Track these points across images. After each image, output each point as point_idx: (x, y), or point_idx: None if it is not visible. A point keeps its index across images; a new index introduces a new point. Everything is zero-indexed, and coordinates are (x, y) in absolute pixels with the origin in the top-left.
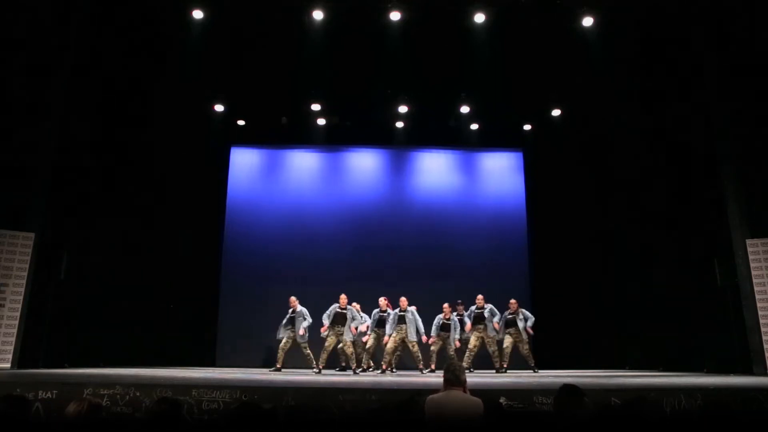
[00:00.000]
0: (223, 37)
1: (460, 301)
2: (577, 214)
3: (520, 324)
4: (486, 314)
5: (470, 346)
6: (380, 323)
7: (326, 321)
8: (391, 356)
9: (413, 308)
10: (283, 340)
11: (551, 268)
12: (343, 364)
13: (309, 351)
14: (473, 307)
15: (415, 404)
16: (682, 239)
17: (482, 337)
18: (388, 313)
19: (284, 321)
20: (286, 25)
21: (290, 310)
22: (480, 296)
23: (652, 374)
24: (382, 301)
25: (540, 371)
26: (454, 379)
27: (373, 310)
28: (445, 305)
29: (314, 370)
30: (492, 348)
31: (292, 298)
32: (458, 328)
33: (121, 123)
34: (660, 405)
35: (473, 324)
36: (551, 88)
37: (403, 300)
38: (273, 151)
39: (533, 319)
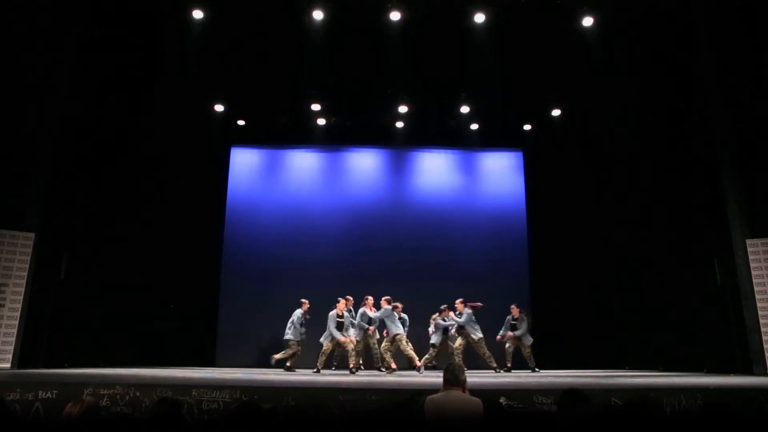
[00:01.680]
0: (223, 37)
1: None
2: (576, 214)
3: (521, 329)
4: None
5: (455, 345)
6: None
7: (337, 333)
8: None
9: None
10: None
11: (551, 268)
12: (336, 364)
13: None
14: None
15: (415, 404)
16: (682, 239)
17: (467, 341)
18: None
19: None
20: (286, 25)
21: (335, 313)
22: (459, 300)
23: (652, 374)
24: (370, 300)
25: (540, 371)
26: (453, 380)
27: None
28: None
29: (313, 370)
30: (482, 351)
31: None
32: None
33: (121, 123)
34: (660, 405)
35: (457, 330)
36: (551, 88)
37: (398, 306)
38: (273, 151)
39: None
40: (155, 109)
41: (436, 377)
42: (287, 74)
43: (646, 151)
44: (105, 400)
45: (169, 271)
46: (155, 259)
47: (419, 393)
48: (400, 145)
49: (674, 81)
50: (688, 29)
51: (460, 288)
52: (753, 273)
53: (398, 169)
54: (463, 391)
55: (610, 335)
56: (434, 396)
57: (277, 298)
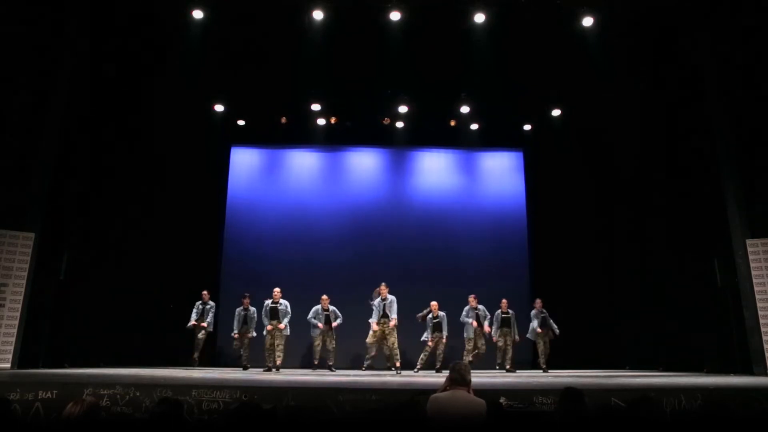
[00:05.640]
0: (223, 37)
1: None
2: (577, 214)
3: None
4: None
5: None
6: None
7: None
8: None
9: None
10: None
11: (551, 268)
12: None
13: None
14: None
15: (416, 404)
16: (682, 239)
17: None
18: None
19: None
20: (286, 24)
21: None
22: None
23: (652, 374)
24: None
25: (539, 371)
26: (459, 379)
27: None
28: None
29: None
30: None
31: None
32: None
33: (121, 123)
34: (660, 405)
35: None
36: (551, 88)
37: (434, 304)
38: (273, 151)
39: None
40: (155, 109)
41: (436, 377)
42: (287, 74)
43: (646, 150)
44: (105, 400)
45: (168, 271)
46: (155, 259)
47: (420, 393)
48: (400, 145)
49: (674, 81)
50: (688, 29)
51: (460, 288)
52: (753, 273)
53: (398, 169)
54: (468, 392)
55: (610, 335)
56: (438, 395)
57: None
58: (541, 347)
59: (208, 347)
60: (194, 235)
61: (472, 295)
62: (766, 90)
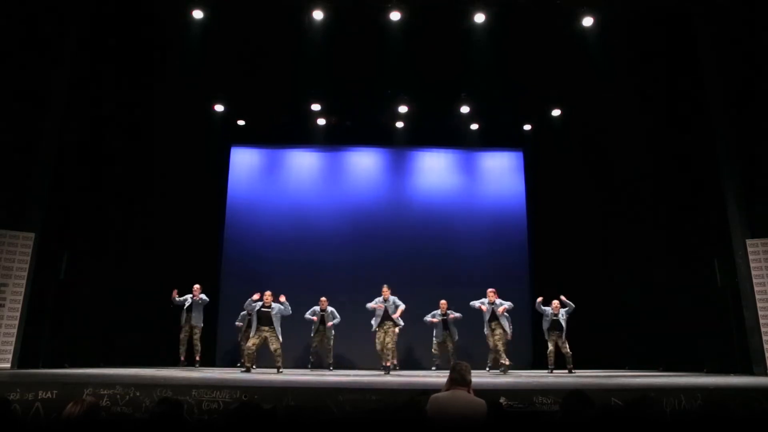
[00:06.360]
0: (223, 37)
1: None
2: (577, 214)
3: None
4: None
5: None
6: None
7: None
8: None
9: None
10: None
11: (551, 268)
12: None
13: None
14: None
15: (416, 404)
16: (682, 239)
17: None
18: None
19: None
20: (286, 24)
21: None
22: (443, 301)
23: (652, 374)
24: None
25: (540, 371)
26: (459, 379)
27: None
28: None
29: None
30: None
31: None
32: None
33: (121, 123)
34: (660, 405)
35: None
36: (551, 88)
37: (444, 303)
38: (273, 151)
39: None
40: (155, 109)
41: (436, 377)
42: (287, 74)
43: (646, 151)
44: (105, 400)
45: (168, 271)
46: (155, 259)
47: (420, 393)
48: (400, 145)
49: (674, 80)
50: (689, 29)
51: (460, 287)
52: (753, 273)
53: (398, 169)
54: (468, 392)
55: (610, 335)
56: (439, 395)
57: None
58: (549, 347)
59: (208, 347)
60: (194, 235)
61: (491, 289)
62: (767, 90)
